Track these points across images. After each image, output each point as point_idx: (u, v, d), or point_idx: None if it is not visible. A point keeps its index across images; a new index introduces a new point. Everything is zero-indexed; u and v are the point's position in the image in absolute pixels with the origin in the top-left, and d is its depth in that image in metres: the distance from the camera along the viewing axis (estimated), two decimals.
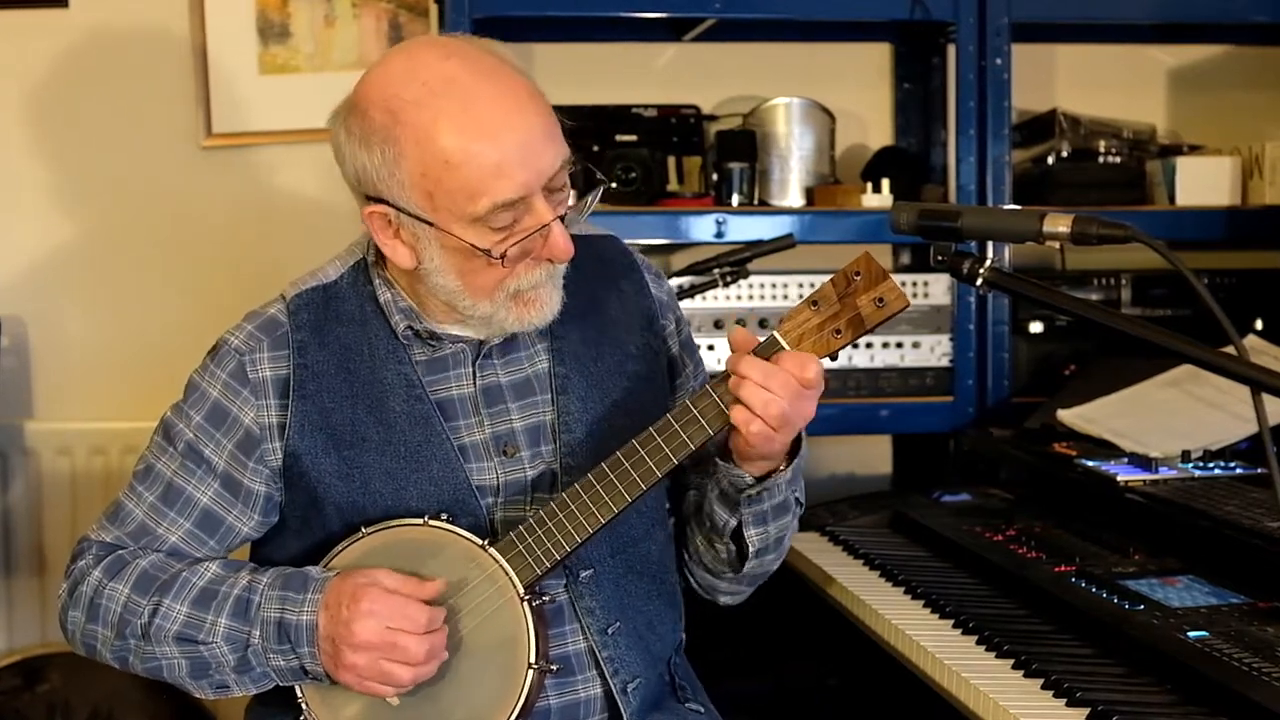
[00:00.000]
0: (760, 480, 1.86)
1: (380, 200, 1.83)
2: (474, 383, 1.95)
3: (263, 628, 1.83)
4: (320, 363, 1.92)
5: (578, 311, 1.98)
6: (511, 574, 1.83)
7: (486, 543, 1.85)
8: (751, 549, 1.93)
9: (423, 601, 1.80)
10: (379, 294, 1.95)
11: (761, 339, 1.80)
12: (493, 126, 1.77)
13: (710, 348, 3.02)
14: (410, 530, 1.86)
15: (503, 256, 1.80)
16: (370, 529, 1.87)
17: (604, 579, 1.94)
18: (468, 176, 1.77)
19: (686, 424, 1.81)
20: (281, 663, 1.84)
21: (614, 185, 3.03)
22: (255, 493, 1.92)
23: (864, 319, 1.78)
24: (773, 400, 1.74)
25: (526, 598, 1.83)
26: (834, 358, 1.81)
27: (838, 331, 1.78)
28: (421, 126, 1.77)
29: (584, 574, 1.93)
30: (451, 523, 1.86)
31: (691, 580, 2.10)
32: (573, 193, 1.88)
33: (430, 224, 1.81)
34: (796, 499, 1.97)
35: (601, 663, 1.92)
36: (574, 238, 1.93)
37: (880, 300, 1.77)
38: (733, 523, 1.92)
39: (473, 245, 1.80)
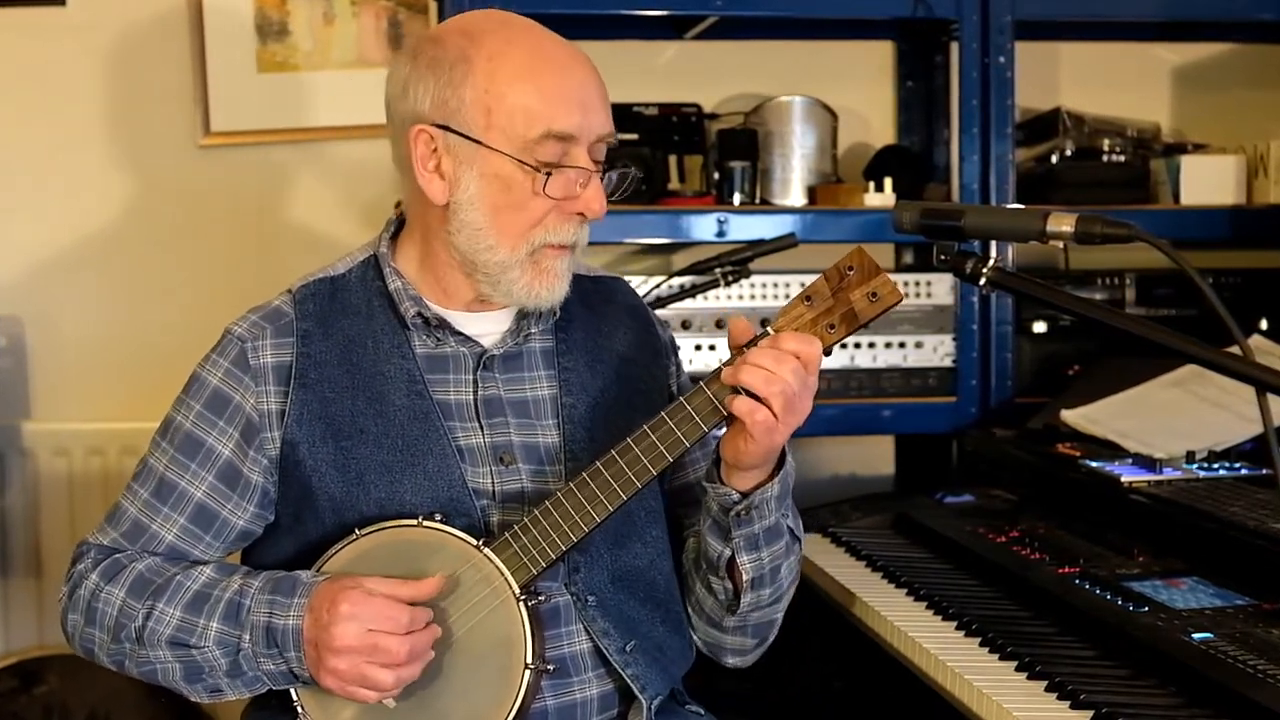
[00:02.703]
0: (746, 495, 1.85)
1: (431, 124, 1.87)
2: (474, 392, 1.95)
3: (252, 632, 1.82)
4: (323, 352, 1.92)
5: (585, 344, 2.02)
6: (507, 574, 1.82)
7: (481, 543, 1.83)
8: (746, 578, 1.91)
9: (407, 602, 1.79)
10: (389, 283, 1.96)
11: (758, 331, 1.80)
12: (562, 63, 1.88)
13: (711, 347, 3.01)
14: (405, 531, 1.85)
15: (548, 175, 1.84)
16: (364, 530, 1.86)
17: (608, 604, 1.94)
18: (530, 99, 1.84)
19: (681, 420, 1.81)
20: (271, 666, 1.83)
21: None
22: (253, 483, 1.92)
23: (858, 314, 1.77)
24: (775, 379, 1.73)
25: (522, 598, 1.82)
26: (828, 353, 1.81)
27: (831, 327, 1.78)
28: (496, 47, 1.86)
29: (590, 599, 1.93)
30: (446, 523, 1.85)
31: (696, 639, 2.08)
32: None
33: (480, 143, 1.85)
34: (791, 530, 1.95)
35: (629, 680, 1.92)
36: (583, 277, 2.05)
37: (874, 295, 1.77)
38: (726, 552, 1.90)
39: (521, 161, 1.84)
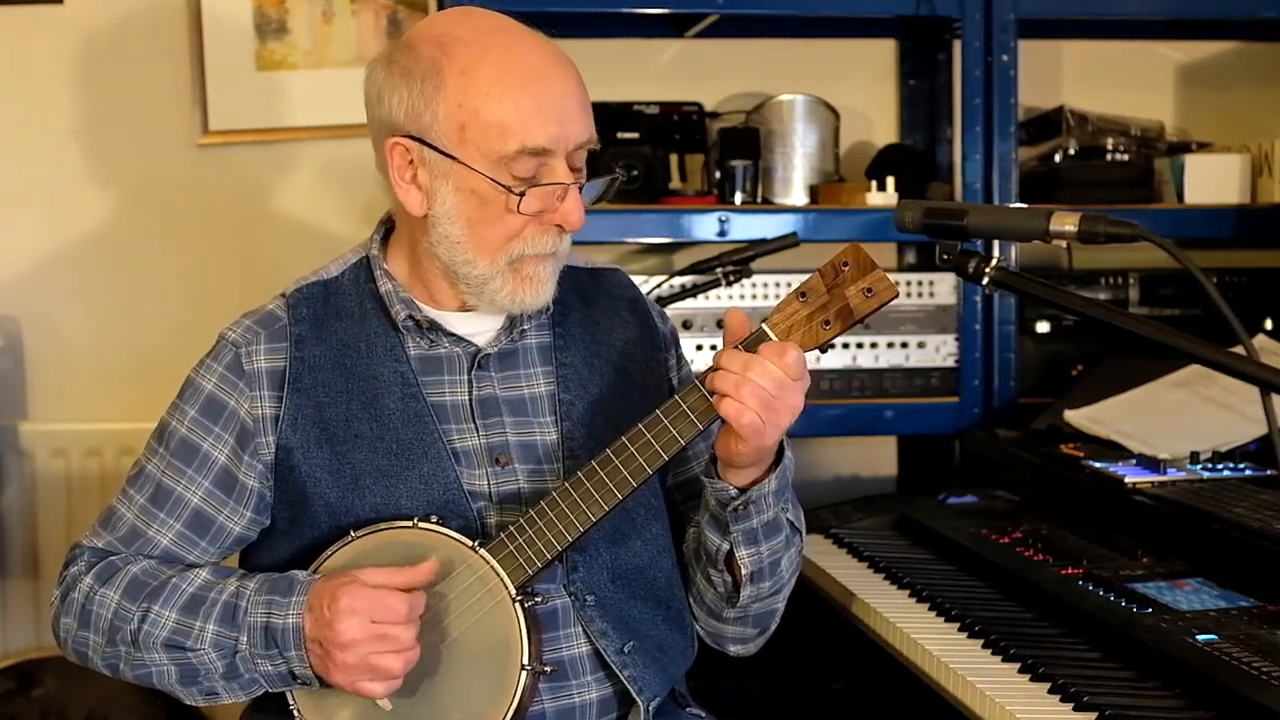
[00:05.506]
0: (743, 491, 1.83)
1: (406, 136, 1.85)
2: (469, 392, 1.94)
3: (250, 633, 1.81)
4: (317, 357, 1.91)
5: (583, 338, 2.01)
6: (503, 574, 1.81)
7: (477, 543, 1.82)
8: (745, 571, 1.90)
9: (404, 589, 1.78)
10: (380, 286, 1.95)
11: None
12: (536, 73, 1.83)
13: (712, 347, 3.00)
14: (400, 533, 1.84)
15: (521, 195, 1.81)
16: (359, 532, 1.85)
17: (608, 603, 1.92)
18: (504, 114, 1.80)
19: (676, 419, 1.80)
20: (269, 668, 1.82)
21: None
22: (249, 488, 1.91)
23: (853, 309, 1.76)
24: (751, 385, 1.72)
25: (518, 599, 1.81)
26: (824, 350, 1.80)
27: (826, 323, 1.77)
28: (468, 59, 1.82)
29: (589, 598, 1.91)
30: (441, 525, 1.83)
31: (699, 629, 2.07)
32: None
33: (454, 158, 1.82)
34: (791, 524, 1.94)
35: (625, 682, 1.91)
36: (580, 269, 2.04)
37: (869, 290, 1.76)
38: (725, 546, 1.89)
39: (493, 180, 1.81)
